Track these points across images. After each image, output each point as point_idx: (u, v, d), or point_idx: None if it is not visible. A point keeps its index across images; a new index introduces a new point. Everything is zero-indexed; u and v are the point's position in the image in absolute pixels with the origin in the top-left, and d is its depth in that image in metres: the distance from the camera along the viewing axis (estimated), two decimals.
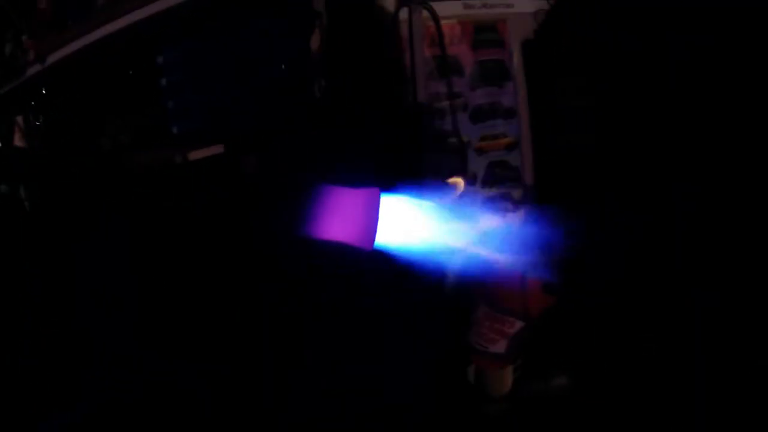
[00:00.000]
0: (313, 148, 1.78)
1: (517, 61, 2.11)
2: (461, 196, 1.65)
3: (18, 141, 2.03)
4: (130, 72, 1.99)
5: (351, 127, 1.84)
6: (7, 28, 1.89)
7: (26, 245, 1.86)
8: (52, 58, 1.89)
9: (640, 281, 1.75)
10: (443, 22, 2.00)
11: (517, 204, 2.15)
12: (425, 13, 1.98)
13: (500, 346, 1.89)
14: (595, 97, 1.96)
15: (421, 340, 1.61)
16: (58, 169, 2.05)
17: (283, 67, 1.94)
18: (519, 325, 1.88)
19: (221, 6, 1.83)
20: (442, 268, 1.30)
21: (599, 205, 1.86)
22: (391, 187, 1.23)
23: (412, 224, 1.17)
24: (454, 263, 1.46)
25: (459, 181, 1.60)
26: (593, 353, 1.77)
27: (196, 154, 1.96)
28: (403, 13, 1.96)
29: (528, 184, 2.15)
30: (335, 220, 1.07)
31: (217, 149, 1.97)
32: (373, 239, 1.07)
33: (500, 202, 2.15)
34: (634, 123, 1.80)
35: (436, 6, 1.97)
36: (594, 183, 1.92)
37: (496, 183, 2.14)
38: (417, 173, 1.92)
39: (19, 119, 2.02)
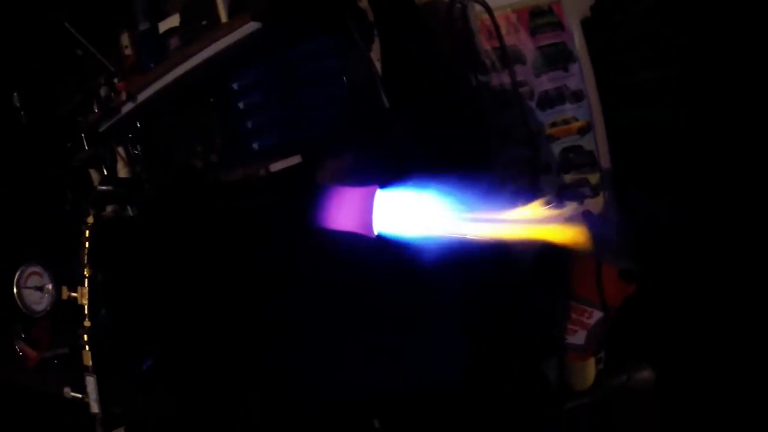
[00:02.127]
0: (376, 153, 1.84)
1: (578, 41, 2.03)
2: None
3: (121, 169, 2.29)
4: (211, 99, 2.16)
5: (414, 130, 1.88)
6: (100, 73, 2.14)
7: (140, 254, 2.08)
8: (142, 96, 2.10)
9: (735, 267, 1.62)
10: (497, 12, 1.97)
11: (594, 189, 2.09)
12: (478, 7, 1.97)
13: (579, 338, 1.86)
14: (671, 65, 1.84)
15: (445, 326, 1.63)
16: (159, 190, 2.28)
17: (345, 79, 2.01)
18: (598, 315, 1.82)
19: (280, 32, 1.94)
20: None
21: (687, 184, 1.76)
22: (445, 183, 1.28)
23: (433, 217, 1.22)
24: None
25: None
26: (679, 344, 1.69)
27: (276, 166, 2.11)
28: (457, 10, 1.98)
29: (605, 167, 2.08)
30: (343, 213, 1.20)
31: (295, 160, 2.10)
32: (372, 229, 1.17)
33: (577, 188, 2.10)
34: (724, 89, 1.66)
35: None
36: (680, 159, 1.81)
37: (571, 169, 2.09)
38: (487, 168, 1.93)
39: (121, 150, 2.28)
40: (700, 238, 1.72)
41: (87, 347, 1.43)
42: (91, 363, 1.43)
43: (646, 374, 1.87)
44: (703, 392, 1.62)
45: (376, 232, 1.24)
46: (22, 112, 2.24)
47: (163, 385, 1.79)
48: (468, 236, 1.24)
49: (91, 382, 1.43)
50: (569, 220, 1.98)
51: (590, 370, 1.92)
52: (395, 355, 1.72)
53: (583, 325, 1.84)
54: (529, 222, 1.35)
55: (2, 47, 2.20)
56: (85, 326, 1.43)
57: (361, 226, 1.25)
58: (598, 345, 1.87)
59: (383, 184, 1.26)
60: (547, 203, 1.42)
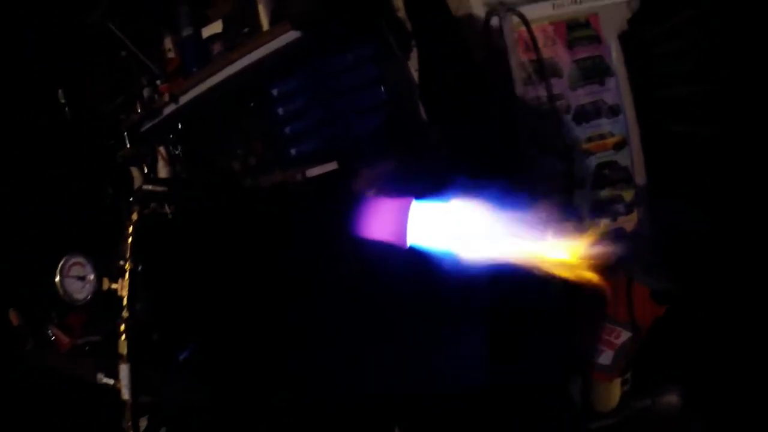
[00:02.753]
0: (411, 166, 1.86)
1: (616, 54, 2.00)
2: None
3: (161, 168, 2.37)
4: (251, 104, 2.22)
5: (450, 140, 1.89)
6: (144, 74, 2.22)
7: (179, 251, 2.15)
8: (184, 99, 2.18)
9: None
10: (534, 24, 1.96)
11: (628, 206, 2.06)
12: (515, 19, 1.97)
13: (606, 358, 1.83)
14: (711, 80, 1.79)
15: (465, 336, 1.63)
16: (198, 190, 2.35)
17: (383, 88, 2.04)
18: (626, 335, 1.79)
19: (320, 40, 1.98)
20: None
21: (726, 202, 1.71)
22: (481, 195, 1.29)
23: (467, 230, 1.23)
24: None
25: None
26: (708, 370, 1.64)
27: (312, 172, 2.15)
28: (494, 21, 1.98)
29: (640, 184, 2.04)
30: (378, 222, 1.23)
31: (331, 166, 2.14)
32: (405, 239, 1.19)
33: (611, 204, 2.07)
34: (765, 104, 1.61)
35: (524, 10, 1.94)
36: (720, 176, 1.77)
37: (606, 185, 2.05)
38: (521, 183, 1.92)
39: (162, 150, 2.35)
40: (737, 258, 1.67)
41: (123, 336, 1.49)
42: (126, 351, 1.49)
43: (672, 399, 1.82)
44: (732, 419, 1.58)
45: (408, 244, 1.25)
46: (66, 109, 2.34)
47: (194, 378, 1.85)
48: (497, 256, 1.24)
49: (124, 369, 1.48)
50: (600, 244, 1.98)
51: (615, 390, 1.89)
52: (419, 363, 1.73)
53: (610, 344, 1.81)
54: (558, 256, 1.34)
55: (48, 45, 2.32)
56: (123, 316, 1.49)
57: (395, 237, 1.27)
58: (626, 366, 1.84)
59: (419, 196, 1.28)
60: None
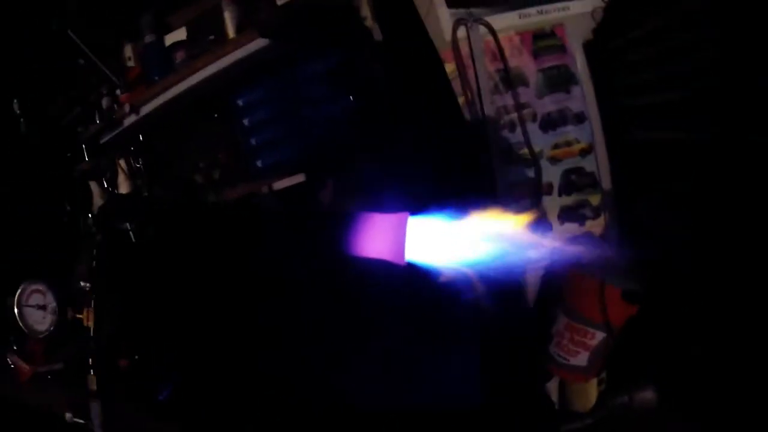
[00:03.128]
0: (377, 175, 1.85)
1: (581, 63, 2.05)
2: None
3: (122, 182, 2.28)
4: (216, 115, 2.16)
5: (416, 150, 1.89)
6: (103, 84, 2.13)
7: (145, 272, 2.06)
8: (145, 109, 2.11)
9: (740, 286, 1.63)
10: (501, 34, 2.00)
11: (595, 210, 2.11)
12: (482, 29, 2.00)
13: (582, 359, 1.86)
14: (678, 87, 1.85)
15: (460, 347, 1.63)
16: (159, 206, 2.26)
17: (351, 98, 2.03)
18: (600, 336, 1.82)
19: (287, 49, 1.95)
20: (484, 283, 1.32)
21: (692, 203, 1.77)
22: (447, 209, 1.28)
23: (453, 244, 1.22)
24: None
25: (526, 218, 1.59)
26: (682, 365, 1.69)
27: (280, 184, 2.11)
28: (461, 32, 2.00)
29: (606, 189, 2.09)
30: (373, 240, 1.20)
31: (299, 178, 2.11)
32: (403, 256, 1.17)
33: (578, 209, 2.12)
34: (731, 110, 1.66)
35: (491, 20, 1.98)
36: (688, 179, 1.83)
37: (573, 191, 2.10)
38: (488, 190, 1.93)
39: (122, 163, 2.26)
40: (705, 258, 1.73)
41: (92, 371, 1.40)
42: (95, 387, 1.40)
43: (648, 395, 1.87)
44: (707, 412, 1.63)
45: (406, 260, 1.23)
46: (21, 120, 2.23)
47: (174, 408, 1.76)
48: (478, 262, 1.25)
49: (95, 407, 1.40)
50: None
51: (592, 391, 1.92)
52: (411, 372, 1.72)
53: (585, 346, 1.84)
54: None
55: (2, 54, 2.20)
56: (91, 349, 1.40)
57: (392, 254, 1.24)
58: (601, 366, 1.87)
59: (413, 212, 1.25)
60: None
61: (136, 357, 1.66)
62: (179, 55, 2.05)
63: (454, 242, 1.20)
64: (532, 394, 1.82)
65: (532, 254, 1.31)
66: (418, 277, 1.24)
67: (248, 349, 1.75)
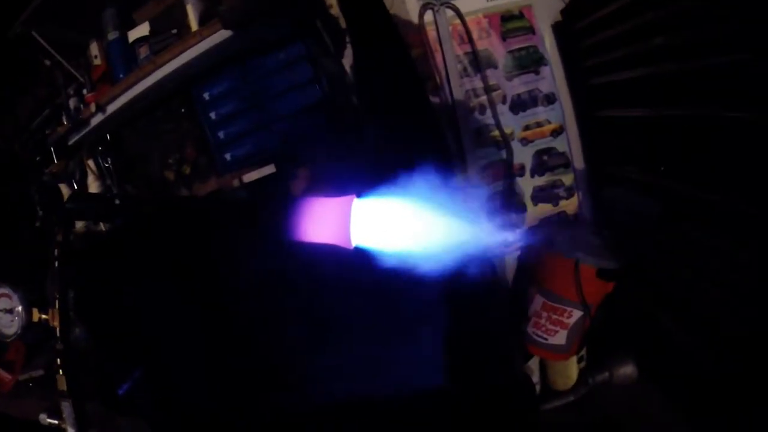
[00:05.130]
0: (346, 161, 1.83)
1: (550, 44, 2.06)
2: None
3: (92, 183, 2.24)
4: (183, 110, 2.13)
5: (386, 135, 1.88)
6: (70, 84, 2.09)
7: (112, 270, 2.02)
8: (112, 108, 2.06)
9: (711, 260, 1.64)
10: (468, 17, 2.01)
11: (568, 190, 2.11)
12: (450, 12, 2.00)
13: (560, 338, 1.87)
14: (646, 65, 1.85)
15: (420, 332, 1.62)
16: (130, 204, 2.23)
17: (318, 87, 2.01)
18: (577, 314, 1.83)
19: (252, 40, 1.93)
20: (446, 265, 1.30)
21: (664, 180, 1.77)
22: (407, 192, 1.26)
23: (411, 226, 1.20)
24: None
25: None
26: (658, 339, 1.70)
27: (250, 177, 2.09)
28: (428, 16, 1.99)
29: (578, 168, 2.10)
30: (320, 225, 1.17)
31: (269, 169, 2.09)
32: (349, 240, 1.15)
33: (551, 189, 2.12)
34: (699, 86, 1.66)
35: (459, 3, 1.98)
36: (657, 157, 1.83)
37: (546, 171, 2.11)
38: (451, 173, 1.93)
39: (91, 163, 2.22)
40: (676, 232, 1.74)
41: (61, 371, 1.37)
42: (66, 387, 1.37)
43: (628, 369, 1.89)
44: (685, 383, 1.64)
45: (354, 244, 1.20)
46: None
47: (146, 404, 1.74)
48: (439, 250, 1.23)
49: (67, 407, 1.37)
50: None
51: (572, 368, 1.94)
52: (376, 363, 1.71)
53: (563, 324, 1.85)
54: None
55: None
56: (58, 349, 1.37)
57: (338, 238, 1.21)
58: (580, 344, 1.89)
59: (359, 194, 1.23)
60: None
61: (100, 354, 1.64)
62: (142, 51, 2.01)
63: (410, 225, 1.17)
64: (508, 375, 1.82)
65: (494, 237, 1.28)
66: (370, 261, 1.21)
67: (208, 344, 1.73)
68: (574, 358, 1.92)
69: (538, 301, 1.90)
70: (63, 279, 1.37)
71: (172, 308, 1.86)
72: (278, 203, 1.37)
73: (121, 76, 2.01)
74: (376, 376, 1.68)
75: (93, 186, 2.26)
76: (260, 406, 1.74)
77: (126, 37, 2.02)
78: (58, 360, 1.32)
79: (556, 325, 1.86)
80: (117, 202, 2.02)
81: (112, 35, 2.02)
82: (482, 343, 1.76)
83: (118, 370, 1.81)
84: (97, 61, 2.08)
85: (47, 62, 2.10)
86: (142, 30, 2.00)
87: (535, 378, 1.97)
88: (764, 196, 1.27)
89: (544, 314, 1.88)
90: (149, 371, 1.83)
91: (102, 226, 2.17)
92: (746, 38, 1.26)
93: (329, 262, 1.34)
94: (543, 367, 1.99)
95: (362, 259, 1.22)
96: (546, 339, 1.88)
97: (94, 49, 2.08)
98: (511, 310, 1.98)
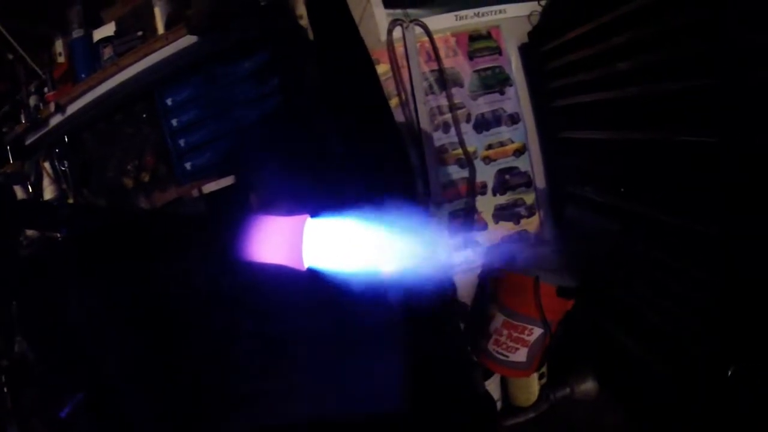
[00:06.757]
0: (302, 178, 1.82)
1: (515, 65, 2.10)
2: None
3: (47, 186, 2.16)
4: (144, 115, 2.10)
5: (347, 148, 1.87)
6: (31, 81, 2.04)
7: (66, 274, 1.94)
8: (72, 108, 2.01)
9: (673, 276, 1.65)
10: (437, 35, 2.04)
11: (530, 209, 2.13)
12: (418, 29, 2.03)
13: (521, 355, 1.85)
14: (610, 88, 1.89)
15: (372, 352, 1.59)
16: (87, 212, 2.15)
17: (282, 97, 1.99)
18: (538, 332, 1.83)
19: (217, 47, 1.92)
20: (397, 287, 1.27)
21: (619, 201, 1.79)
22: (366, 211, 1.24)
23: (366, 246, 1.17)
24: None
25: None
26: (619, 354, 1.69)
27: (209, 187, 2.04)
28: (397, 32, 2.02)
29: (540, 188, 2.13)
30: (272, 244, 1.13)
31: (228, 180, 2.05)
32: (301, 260, 1.11)
33: (513, 208, 2.13)
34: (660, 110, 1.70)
35: (428, 20, 2.01)
36: (617, 177, 1.85)
37: (507, 190, 2.13)
38: (411, 192, 1.92)
39: (47, 166, 2.14)
40: (632, 251, 1.75)
41: (5, 389, 1.29)
42: (9, 405, 1.29)
43: (588, 385, 1.88)
44: (644, 400, 1.63)
45: (306, 265, 1.16)
46: None
47: (91, 423, 1.65)
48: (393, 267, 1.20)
49: (12, 428, 1.29)
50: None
51: (533, 385, 1.92)
52: (330, 384, 1.66)
53: (524, 342, 1.84)
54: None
55: None
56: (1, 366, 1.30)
57: (290, 258, 1.17)
58: (540, 361, 1.87)
59: (314, 213, 1.19)
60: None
61: (44, 372, 1.55)
62: (107, 52, 1.97)
63: (365, 245, 1.14)
64: (468, 393, 1.78)
65: (454, 255, 1.27)
66: (323, 282, 1.17)
67: (154, 366, 1.65)
68: (535, 375, 1.90)
69: (499, 318, 1.88)
70: (6, 292, 1.31)
71: (117, 328, 1.79)
72: (231, 220, 1.32)
73: (83, 76, 1.97)
74: (330, 397, 1.64)
75: (48, 190, 2.18)
76: (209, 429, 1.67)
77: (91, 36, 1.99)
78: (2, 377, 1.25)
79: (516, 343, 1.85)
80: (64, 212, 1.96)
81: (76, 33, 1.98)
82: (441, 361, 1.73)
83: (61, 391, 1.73)
84: (61, 59, 2.03)
85: (10, 56, 2.03)
86: (108, 30, 1.96)
87: (497, 395, 1.94)
88: (714, 216, 1.30)
89: (505, 332, 1.86)
90: (92, 394, 1.74)
91: (58, 235, 2.09)
92: (705, 64, 1.30)
93: (282, 282, 1.30)
94: (504, 384, 1.97)
95: (316, 279, 1.19)
96: (507, 356, 1.86)
97: (59, 46, 2.04)
98: (471, 328, 1.96)
